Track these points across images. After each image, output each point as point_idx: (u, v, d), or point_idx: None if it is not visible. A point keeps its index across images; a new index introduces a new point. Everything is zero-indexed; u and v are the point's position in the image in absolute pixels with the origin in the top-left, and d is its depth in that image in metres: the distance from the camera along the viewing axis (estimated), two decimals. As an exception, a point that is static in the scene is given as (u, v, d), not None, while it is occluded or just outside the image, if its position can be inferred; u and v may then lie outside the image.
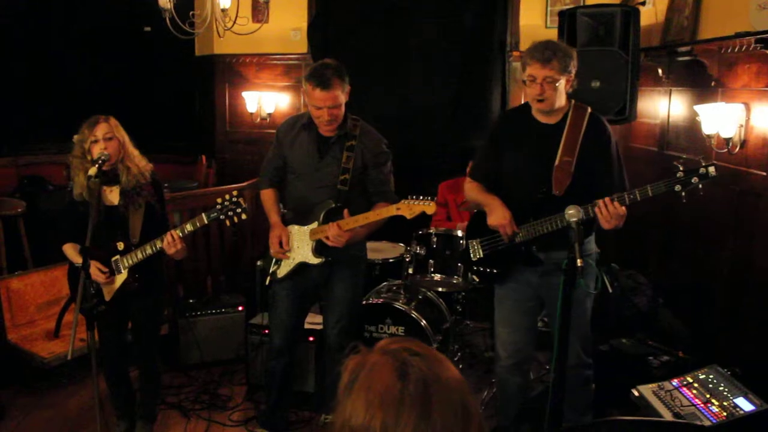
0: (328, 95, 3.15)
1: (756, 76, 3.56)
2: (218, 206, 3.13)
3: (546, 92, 2.95)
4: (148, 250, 3.19)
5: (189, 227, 3.16)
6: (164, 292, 3.68)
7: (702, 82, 4.09)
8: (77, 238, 3.27)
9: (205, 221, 3.15)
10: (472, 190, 3.29)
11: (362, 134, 3.36)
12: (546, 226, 2.98)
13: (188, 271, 4.87)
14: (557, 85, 2.94)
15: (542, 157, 3.04)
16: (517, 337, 3.25)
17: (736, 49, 3.65)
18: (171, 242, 3.13)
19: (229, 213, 3.12)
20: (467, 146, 5.05)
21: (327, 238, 3.20)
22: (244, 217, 3.14)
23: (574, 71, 2.99)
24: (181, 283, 4.89)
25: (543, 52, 2.92)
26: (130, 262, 3.23)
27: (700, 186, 2.72)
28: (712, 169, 2.71)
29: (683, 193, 2.74)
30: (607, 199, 2.81)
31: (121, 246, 3.22)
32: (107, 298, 3.28)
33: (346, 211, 3.19)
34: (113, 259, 3.23)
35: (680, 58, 4.39)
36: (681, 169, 2.74)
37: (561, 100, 3.03)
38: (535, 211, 3.02)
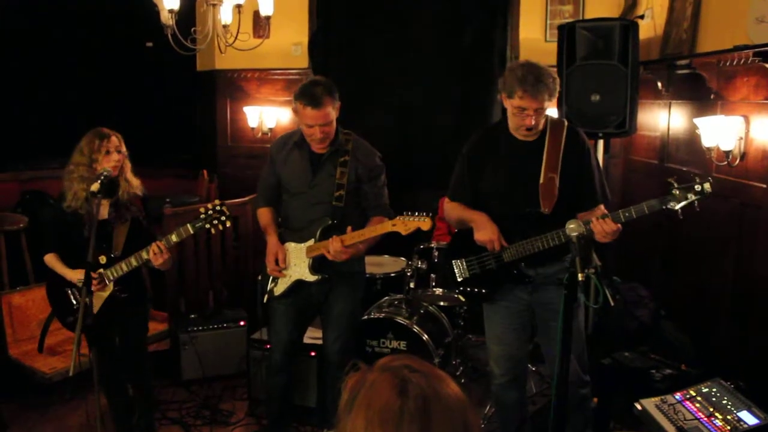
0: (319, 113, 3.15)
1: (755, 89, 3.58)
2: (202, 215, 3.13)
3: (539, 124, 2.96)
4: (133, 262, 3.20)
5: (174, 238, 3.16)
6: (149, 303, 3.69)
7: (701, 95, 4.10)
8: (61, 249, 3.32)
9: (191, 231, 3.15)
10: (453, 209, 3.25)
11: (355, 148, 3.36)
12: (538, 244, 2.96)
13: (190, 285, 4.87)
14: (544, 112, 2.94)
15: (526, 175, 3.02)
16: (510, 352, 3.22)
17: (735, 62, 3.67)
18: (157, 252, 3.14)
19: (214, 221, 3.12)
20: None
21: (327, 251, 3.20)
22: (228, 224, 3.15)
23: (557, 93, 2.96)
24: (183, 297, 4.89)
25: (534, 85, 2.83)
26: (116, 274, 3.23)
27: (696, 203, 2.71)
28: (707, 185, 2.69)
29: (679, 210, 2.72)
30: (600, 214, 2.83)
31: (103, 260, 3.23)
32: (94, 310, 3.27)
33: (350, 228, 3.18)
34: (97, 272, 3.23)
35: (679, 71, 4.40)
36: (675, 186, 2.73)
37: None
38: (523, 230, 3.00)
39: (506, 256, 3.06)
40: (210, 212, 3.12)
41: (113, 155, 3.21)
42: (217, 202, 3.15)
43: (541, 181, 2.99)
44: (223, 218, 3.13)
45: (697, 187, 2.70)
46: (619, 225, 2.79)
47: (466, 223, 3.15)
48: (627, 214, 2.79)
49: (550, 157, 3.00)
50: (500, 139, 3.12)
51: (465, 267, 3.21)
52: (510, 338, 3.20)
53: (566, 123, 3.09)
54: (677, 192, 2.72)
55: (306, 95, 3.16)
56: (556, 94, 2.95)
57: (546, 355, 3.25)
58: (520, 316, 3.19)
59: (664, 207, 2.74)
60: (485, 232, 3.03)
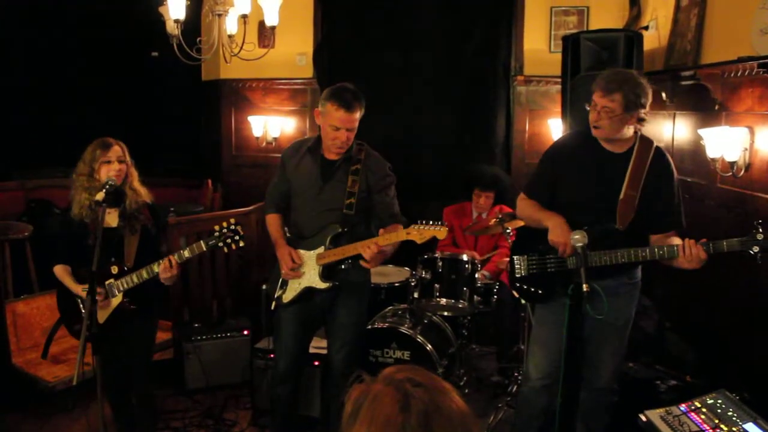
0: (349, 117, 3.19)
1: (759, 100, 3.58)
2: (216, 233, 3.15)
3: (602, 120, 2.93)
4: (144, 275, 3.20)
5: (187, 253, 3.17)
6: (158, 315, 3.70)
7: (706, 106, 4.10)
8: (70, 260, 3.32)
9: (204, 248, 3.17)
10: (528, 206, 3.22)
11: (367, 158, 3.37)
12: (606, 258, 2.91)
13: (194, 294, 4.87)
14: (616, 118, 2.91)
15: (607, 188, 3.00)
16: (553, 359, 3.19)
17: (739, 74, 3.67)
18: (167, 267, 3.15)
19: (227, 240, 3.15)
20: (472, 171, 5.05)
21: (365, 261, 3.17)
22: (241, 244, 3.18)
23: (641, 111, 2.93)
24: (187, 306, 4.89)
25: (609, 82, 2.90)
26: (125, 285, 3.23)
27: None
28: None
29: (759, 255, 2.69)
30: (691, 241, 2.80)
31: (115, 270, 3.23)
32: (101, 320, 3.28)
33: (382, 230, 3.19)
34: (107, 282, 3.24)
35: (684, 82, 4.40)
36: (761, 230, 2.69)
37: (624, 133, 2.99)
38: (593, 242, 2.93)
39: (570, 264, 3.02)
40: (224, 230, 3.15)
41: (113, 165, 3.21)
42: (232, 220, 3.18)
43: (621, 197, 2.97)
44: (237, 238, 3.16)
45: None
46: (706, 255, 2.78)
47: (541, 222, 3.11)
48: (705, 248, 2.78)
49: (634, 173, 2.98)
50: (588, 144, 3.10)
51: (526, 264, 3.20)
52: (555, 345, 3.17)
53: (655, 144, 3.06)
54: (762, 237, 2.68)
55: (339, 98, 3.19)
56: (639, 110, 2.92)
57: (590, 361, 3.21)
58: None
59: (745, 250, 2.71)
60: (560, 233, 2.98)
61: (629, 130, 3.00)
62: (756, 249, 2.69)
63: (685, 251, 2.78)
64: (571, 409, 2.63)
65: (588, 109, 3.00)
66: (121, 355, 3.42)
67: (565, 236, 2.95)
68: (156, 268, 3.17)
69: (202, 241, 3.17)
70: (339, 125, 3.20)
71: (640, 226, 2.94)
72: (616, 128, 2.96)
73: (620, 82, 2.90)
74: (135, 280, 3.22)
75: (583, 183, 3.08)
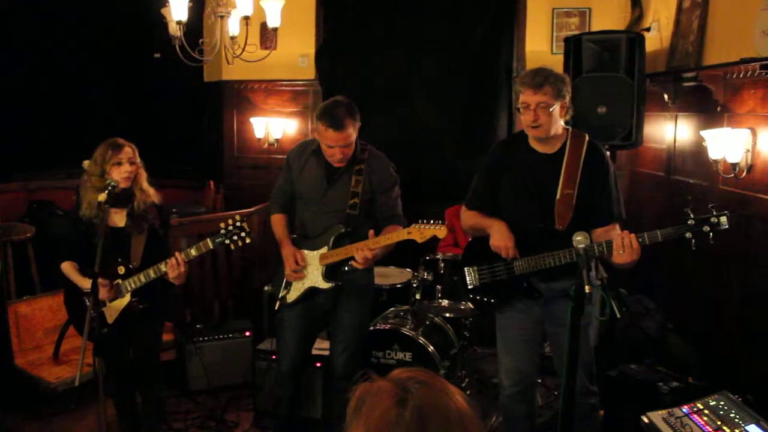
0: (340, 135, 3.18)
1: (762, 102, 3.57)
2: (222, 231, 3.15)
3: (540, 118, 2.94)
4: (152, 274, 3.21)
5: (194, 252, 3.18)
6: (166, 316, 3.69)
7: (708, 108, 4.10)
8: (77, 258, 3.32)
9: (211, 246, 3.17)
10: (470, 217, 3.26)
11: (371, 158, 3.38)
12: (549, 260, 2.94)
13: (196, 296, 4.88)
14: (551, 110, 2.92)
15: (543, 189, 3.02)
16: (520, 365, 3.21)
17: (741, 75, 3.67)
18: (175, 265, 3.15)
19: (234, 237, 3.14)
20: (474, 173, 5.04)
21: (356, 262, 3.19)
22: (248, 241, 3.16)
23: (568, 96, 2.98)
24: (189, 308, 4.89)
25: (534, 77, 2.93)
26: (133, 285, 3.24)
27: (711, 235, 2.67)
28: (723, 218, 2.66)
29: (693, 241, 2.70)
30: (625, 232, 2.78)
31: (122, 270, 3.24)
32: (110, 321, 3.28)
33: (371, 232, 3.20)
34: (114, 282, 3.24)
35: (686, 84, 4.40)
36: (692, 216, 2.70)
37: (557, 128, 3.01)
38: (536, 244, 2.99)
39: (517, 269, 3.05)
40: (230, 228, 3.14)
41: (124, 166, 3.22)
42: (237, 217, 3.18)
43: (558, 197, 2.98)
44: (243, 234, 3.15)
45: (714, 220, 2.67)
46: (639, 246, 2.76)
47: (483, 230, 3.14)
48: (640, 240, 2.75)
49: (568, 171, 2.99)
50: (520, 149, 3.13)
51: (476, 275, 3.21)
52: (520, 350, 3.20)
53: (587, 137, 3.08)
54: (693, 222, 2.69)
55: (328, 116, 3.17)
56: (566, 96, 2.96)
57: (558, 367, 3.23)
58: (530, 328, 3.18)
59: (679, 236, 2.71)
60: (500, 237, 3.02)
61: (560, 126, 3.02)
62: (689, 235, 2.70)
63: (617, 242, 2.75)
64: (572, 415, 2.61)
65: (520, 112, 3.01)
66: (128, 355, 3.43)
67: (505, 240, 3.00)
68: (163, 267, 3.18)
69: (208, 239, 3.17)
70: (332, 144, 3.21)
71: (582, 223, 2.91)
72: (554, 122, 2.97)
73: (544, 75, 2.93)
74: (142, 279, 3.22)
75: (519, 188, 3.09)
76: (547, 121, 2.95)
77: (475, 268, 3.21)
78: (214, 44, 4.18)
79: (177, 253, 3.17)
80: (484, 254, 3.13)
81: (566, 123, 3.08)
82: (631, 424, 3.14)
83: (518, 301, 3.14)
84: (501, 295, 3.17)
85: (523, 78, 2.98)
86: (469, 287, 3.24)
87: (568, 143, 3.04)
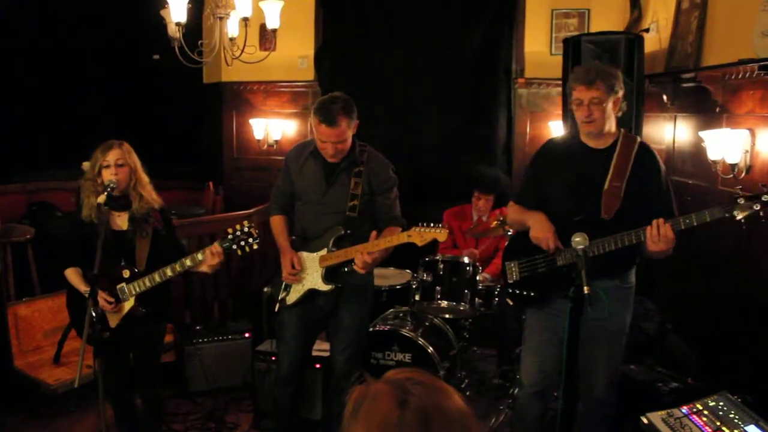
0: (332, 131, 3.17)
1: (760, 102, 3.58)
2: (230, 236, 3.13)
3: (594, 113, 2.93)
4: (157, 278, 3.19)
5: (200, 256, 3.16)
6: (168, 319, 3.68)
7: (707, 108, 4.10)
8: (80, 262, 3.29)
9: (219, 249, 3.16)
10: (514, 211, 3.25)
11: (369, 159, 3.38)
12: (593, 248, 2.86)
13: (195, 297, 4.87)
14: (604, 106, 2.92)
15: (590, 181, 3.00)
16: (545, 367, 3.19)
17: (740, 76, 3.67)
18: (215, 252, 3.13)
19: (242, 243, 3.12)
20: (472, 174, 5.05)
21: (356, 265, 3.19)
22: (255, 246, 3.14)
23: (621, 92, 2.97)
24: (188, 309, 4.89)
25: (587, 74, 2.94)
26: (138, 289, 3.21)
27: (761, 213, 2.65)
28: None
29: (743, 220, 2.67)
30: (661, 220, 2.77)
31: (126, 274, 3.21)
32: (112, 325, 3.27)
33: (374, 233, 3.20)
34: (118, 286, 3.23)
35: (685, 85, 4.41)
36: (741, 194, 2.69)
37: (611, 124, 3.00)
38: (578, 230, 2.86)
39: (560, 260, 3.01)
40: (238, 233, 3.13)
41: (111, 169, 3.18)
42: (246, 223, 3.16)
43: (606, 187, 2.96)
44: (251, 240, 3.13)
45: (766, 197, 2.65)
46: (674, 234, 2.76)
47: (523, 222, 3.13)
48: (687, 221, 2.74)
49: (618, 165, 2.98)
50: (570, 145, 3.13)
51: (516, 269, 3.19)
52: (545, 352, 3.17)
53: (639, 139, 3.08)
54: (743, 200, 2.67)
55: (322, 112, 3.17)
56: (618, 91, 2.95)
57: (581, 368, 3.18)
58: (559, 332, 3.12)
59: (726, 215, 2.69)
60: (540, 228, 2.99)
61: (613, 123, 3.01)
62: (738, 212, 2.67)
63: (652, 230, 2.75)
64: (570, 415, 2.61)
65: (574, 110, 3.00)
66: (129, 358, 3.42)
67: (545, 231, 2.97)
68: (169, 272, 3.16)
69: (217, 243, 3.16)
70: (324, 139, 3.21)
71: (628, 216, 2.90)
72: (607, 117, 2.97)
73: (596, 71, 2.95)
74: (147, 283, 3.19)
75: (565, 177, 3.07)
76: (600, 116, 2.94)
77: (516, 262, 3.20)
78: (213, 46, 4.19)
79: (215, 244, 3.14)
80: (526, 248, 3.11)
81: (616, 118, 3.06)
82: (631, 424, 3.14)
83: (557, 299, 3.07)
84: (541, 289, 3.15)
85: (575, 74, 2.99)
86: (509, 281, 3.22)
87: (620, 141, 3.03)
